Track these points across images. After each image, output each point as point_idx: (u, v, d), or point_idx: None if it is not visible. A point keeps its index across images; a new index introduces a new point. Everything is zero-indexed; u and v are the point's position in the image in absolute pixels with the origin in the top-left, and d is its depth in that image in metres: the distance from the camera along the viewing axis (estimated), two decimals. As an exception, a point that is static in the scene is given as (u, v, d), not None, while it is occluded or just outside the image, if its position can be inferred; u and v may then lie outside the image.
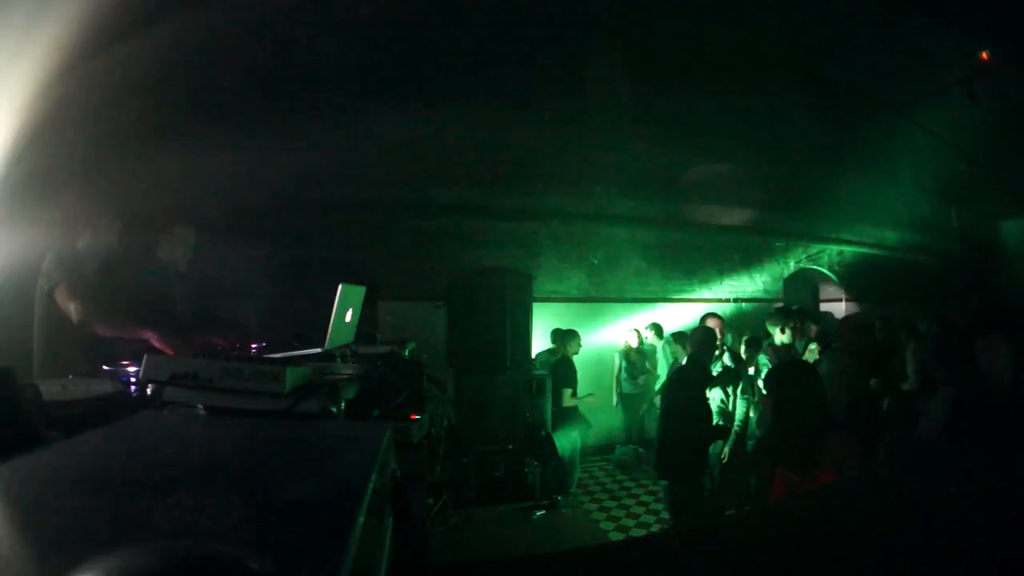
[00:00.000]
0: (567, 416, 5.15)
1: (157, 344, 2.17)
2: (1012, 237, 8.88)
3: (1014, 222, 8.84)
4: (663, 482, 3.67)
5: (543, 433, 4.83)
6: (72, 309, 2.35)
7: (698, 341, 3.64)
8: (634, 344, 6.12)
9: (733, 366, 4.20)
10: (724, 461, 4.01)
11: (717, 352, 4.27)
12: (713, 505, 3.69)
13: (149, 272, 2.73)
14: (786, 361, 3.89)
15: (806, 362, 4.04)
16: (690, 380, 3.54)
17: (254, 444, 1.04)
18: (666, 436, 3.54)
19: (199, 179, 4.86)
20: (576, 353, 5.41)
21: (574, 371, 5.28)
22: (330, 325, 1.96)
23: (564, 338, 5.44)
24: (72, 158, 3.37)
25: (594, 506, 5.09)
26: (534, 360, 5.49)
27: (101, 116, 3.58)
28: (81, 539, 0.54)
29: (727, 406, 4.05)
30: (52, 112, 3.12)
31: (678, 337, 5.59)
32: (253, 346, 2.35)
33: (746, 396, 4.06)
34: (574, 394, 5.23)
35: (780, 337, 4.55)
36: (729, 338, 5.09)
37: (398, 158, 5.76)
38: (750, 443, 4.47)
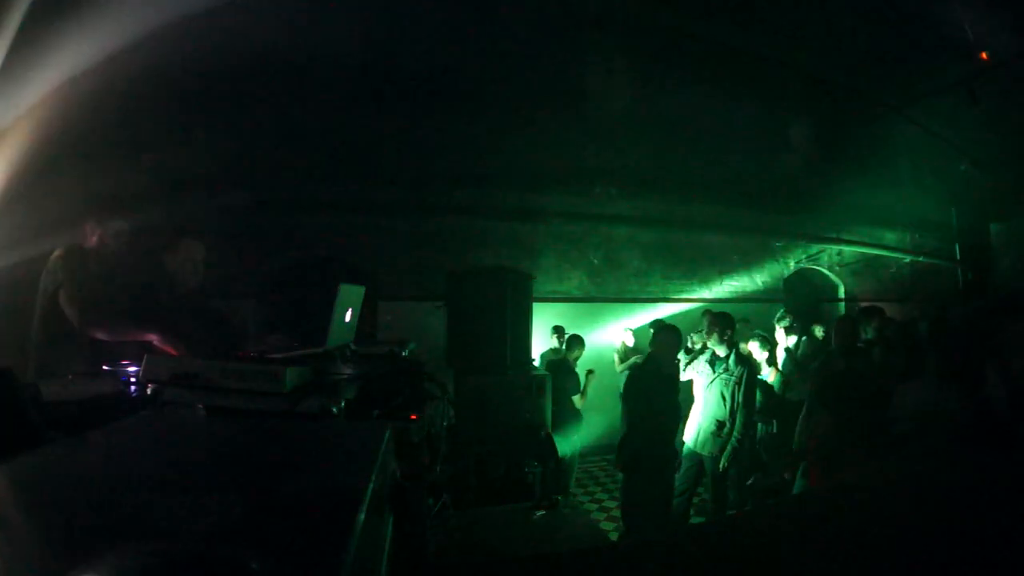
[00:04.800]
0: (572, 418, 5.17)
1: (160, 346, 2.17)
2: (1008, 238, 8.89)
3: (1011, 223, 8.84)
4: (621, 475, 3.90)
5: (543, 433, 4.82)
6: (75, 312, 2.34)
7: (658, 342, 3.77)
8: (630, 343, 6.13)
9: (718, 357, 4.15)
10: (722, 470, 3.98)
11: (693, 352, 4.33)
12: (663, 505, 3.76)
13: (150, 284, 2.72)
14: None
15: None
16: (645, 376, 3.72)
17: (254, 444, 1.04)
18: (626, 430, 3.76)
19: (200, 179, 4.88)
20: (578, 359, 5.41)
21: (577, 376, 5.28)
22: (330, 325, 1.96)
23: (570, 343, 5.43)
24: (74, 156, 3.37)
25: (594, 506, 5.09)
26: (540, 357, 5.50)
27: (100, 111, 3.57)
28: (81, 539, 0.54)
29: (725, 410, 3.99)
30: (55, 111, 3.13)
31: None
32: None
33: (747, 407, 4.00)
34: (583, 396, 5.25)
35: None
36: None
37: (398, 158, 5.76)
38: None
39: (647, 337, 6.10)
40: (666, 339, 3.73)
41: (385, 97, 5.74)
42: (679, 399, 3.86)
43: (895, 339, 4.37)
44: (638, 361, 5.86)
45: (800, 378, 4.67)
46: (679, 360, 4.13)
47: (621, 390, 6.00)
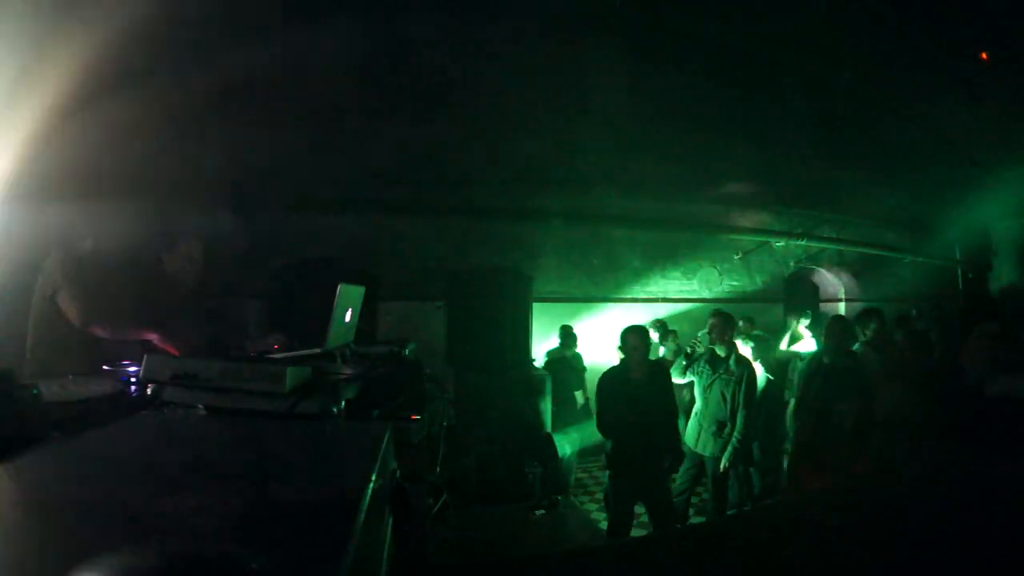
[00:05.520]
0: (573, 415, 5.17)
1: (160, 345, 2.17)
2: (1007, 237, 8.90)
3: (1012, 223, 8.85)
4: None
5: (543, 433, 4.83)
6: (76, 312, 2.35)
7: (625, 346, 3.74)
8: None
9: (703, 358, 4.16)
10: (722, 470, 3.98)
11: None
12: (624, 505, 3.70)
13: (150, 284, 2.73)
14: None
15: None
16: (611, 379, 3.72)
17: (254, 444, 1.04)
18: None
19: (200, 180, 4.87)
20: (574, 353, 5.44)
21: (576, 372, 5.30)
22: (330, 325, 1.96)
23: (564, 339, 5.47)
24: (74, 156, 3.36)
25: (594, 506, 5.09)
26: (545, 355, 5.54)
27: (102, 111, 3.57)
28: (81, 539, 0.54)
29: (726, 410, 3.99)
30: (55, 110, 3.13)
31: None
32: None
33: (747, 408, 3.98)
34: (584, 394, 5.27)
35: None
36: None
37: (398, 158, 5.76)
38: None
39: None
40: (633, 341, 3.68)
41: (386, 98, 5.74)
42: (663, 401, 3.72)
43: (890, 340, 4.37)
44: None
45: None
46: (656, 361, 4.10)
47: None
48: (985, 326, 3.55)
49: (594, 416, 5.41)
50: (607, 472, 3.87)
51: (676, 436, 3.88)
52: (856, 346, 4.28)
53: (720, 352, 4.09)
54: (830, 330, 3.87)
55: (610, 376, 3.77)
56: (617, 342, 3.84)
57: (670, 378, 3.99)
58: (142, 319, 2.33)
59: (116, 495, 0.68)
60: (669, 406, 3.77)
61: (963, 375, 3.14)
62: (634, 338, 3.69)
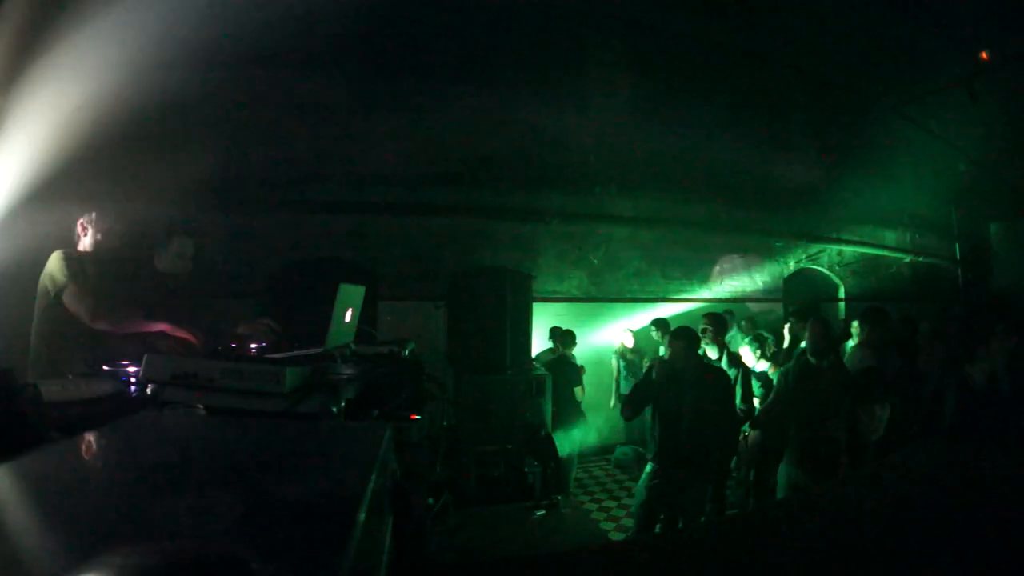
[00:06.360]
0: (573, 414, 5.18)
1: (173, 334, 2.20)
2: (1006, 238, 8.90)
3: (1011, 223, 8.85)
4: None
5: (543, 433, 4.83)
6: (83, 310, 2.36)
7: (673, 347, 3.55)
8: (629, 344, 6.13)
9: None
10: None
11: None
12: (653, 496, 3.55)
13: (147, 279, 2.74)
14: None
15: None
16: (648, 379, 3.61)
17: (254, 444, 1.04)
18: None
19: (199, 179, 4.87)
20: (571, 354, 5.46)
21: (576, 369, 5.31)
22: (330, 325, 1.96)
23: (562, 339, 5.47)
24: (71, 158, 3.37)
25: (594, 506, 5.09)
26: (535, 359, 5.52)
27: (100, 110, 3.57)
28: (81, 539, 0.54)
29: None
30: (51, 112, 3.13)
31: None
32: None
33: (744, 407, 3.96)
34: (583, 390, 5.30)
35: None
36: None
37: (399, 158, 5.76)
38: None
39: (647, 338, 6.13)
40: (679, 344, 3.47)
41: (384, 96, 5.75)
42: (715, 406, 3.43)
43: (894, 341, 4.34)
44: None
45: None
46: (715, 367, 3.87)
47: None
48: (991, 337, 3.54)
49: (588, 416, 5.44)
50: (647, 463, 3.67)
51: (727, 445, 3.62)
52: (849, 346, 4.26)
53: (712, 353, 4.08)
54: (811, 331, 3.78)
55: (663, 369, 3.54)
56: (629, 341, 3.73)
57: (726, 383, 3.71)
58: (152, 311, 2.35)
59: (116, 495, 0.68)
60: (720, 409, 3.47)
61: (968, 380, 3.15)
62: (679, 342, 3.51)
